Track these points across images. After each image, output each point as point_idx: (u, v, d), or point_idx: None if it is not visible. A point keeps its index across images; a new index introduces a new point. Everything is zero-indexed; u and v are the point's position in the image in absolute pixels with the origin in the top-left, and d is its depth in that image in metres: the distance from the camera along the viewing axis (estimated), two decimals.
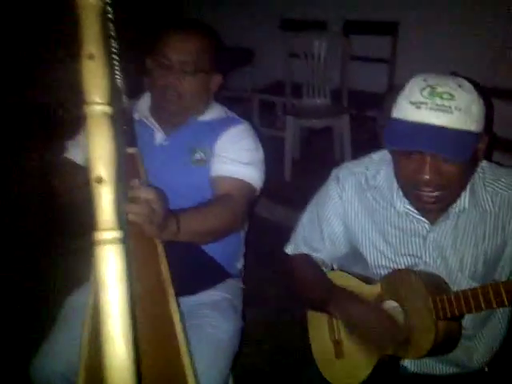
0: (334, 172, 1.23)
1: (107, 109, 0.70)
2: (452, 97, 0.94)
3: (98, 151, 0.68)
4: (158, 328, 0.99)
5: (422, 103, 0.94)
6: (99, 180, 0.67)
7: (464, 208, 1.08)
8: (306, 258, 1.27)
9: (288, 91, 3.37)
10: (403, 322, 1.07)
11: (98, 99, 0.70)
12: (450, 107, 0.93)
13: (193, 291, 1.35)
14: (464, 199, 1.07)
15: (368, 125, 3.41)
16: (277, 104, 3.99)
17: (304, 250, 1.28)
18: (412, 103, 0.95)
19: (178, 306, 1.04)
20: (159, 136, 1.40)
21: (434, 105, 0.93)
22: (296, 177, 3.27)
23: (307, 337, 1.32)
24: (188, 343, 0.98)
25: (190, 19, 1.48)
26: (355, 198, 1.18)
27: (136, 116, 1.40)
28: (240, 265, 1.53)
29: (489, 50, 3.10)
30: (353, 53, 3.27)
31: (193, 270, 1.32)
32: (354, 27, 3.56)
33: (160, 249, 1.10)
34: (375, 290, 1.12)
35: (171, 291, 1.04)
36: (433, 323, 1.00)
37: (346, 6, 3.73)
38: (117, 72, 1.02)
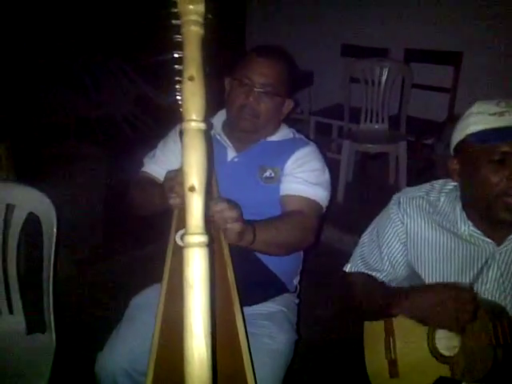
0: (396, 196, 1.27)
1: (202, 125, 0.78)
2: None
3: (192, 163, 0.76)
4: (223, 332, 1.05)
5: (503, 112, 1.01)
6: (192, 189, 0.75)
7: None
8: (365, 274, 1.31)
9: (346, 115, 3.41)
10: (458, 345, 1.08)
11: (194, 117, 0.78)
12: None
13: (252, 302, 1.40)
14: None
15: (425, 153, 3.40)
16: (333, 127, 4.05)
17: (362, 269, 1.32)
18: (492, 114, 1.02)
19: (242, 312, 1.10)
20: (230, 152, 1.49)
21: None
22: (348, 199, 3.30)
23: (354, 357, 1.35)
24: (250, 350, 1.03)
25: (271, 46, 1.58)
26: (418, 221, 1.22)
27: (212, 132, 1.49)
28: (296, 281, 1.58)
29: None
30: (413, 80, 3.29)
31: (254, 283, 1.37)
32: (416, 55, 3.58)
33: (227, 257, 1.17)
34: None
35: (236, 297, 1.10)
36: (491, 347, 1.01)
37: (408, 34, 3.77)
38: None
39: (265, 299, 1.44)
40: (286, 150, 1.47)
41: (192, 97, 0.78)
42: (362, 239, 1.34)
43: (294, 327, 1.45)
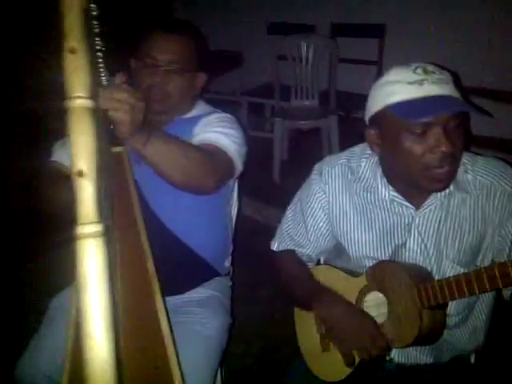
0: (317, 166, 1.24)
1: (89, 103, 0.70)
2: (441, 72, 1.00)
3: (79, 145, 0.68)
4: (143, 326, 0.99)
5: (422, 80, 0.98)
6: (80, 173, 0.67)
7: (450, 191, 1.09)
8: (292, 254, 1.28)
9: (276, 93, 3.37)
10: (387, 312, 1.08)
11: (79, 93, 0.70)
12: (446, 79, 0.99)
13: (181, 291, 1.35)
14: None
15: (356, 126, 3.42)
16: (266, 106, 4.01)
17: (289, 245, 1.29)
18: (411, 83, 0.98)
19: (164, 303, 1.04)
20: None
21: (435, 79, 0.98)
22: (284, 177, 3.28)
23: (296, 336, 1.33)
24: (174, 341, 0.98)
25: (174, 19, 1.47)
26: (339, 190, 1.19)
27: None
28: (228, 263, 1.53)
29: (476, 51, 3.15)
30: (340, 55, 3.29)
31: (181, 270, 1.32)
32: (341, 30, 3.59)
33: (145, 245, 1.10)
34: (360, 282, 1.13)
35: (157, 288, 1.04)
36: (417, 312, 1.01)
37: (333, 10, 3.77)
38: (101, 69, 1.02)
39: (195, 285, 1.38)
40: (197, 121, 1.38)
41: (75, 71, 0.70)
42: (286, 214, 1.31)
43: (228, 311, 1.40)
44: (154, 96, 1.32)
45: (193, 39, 1.37)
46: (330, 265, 1.25)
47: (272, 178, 3.28)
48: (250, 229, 2.61)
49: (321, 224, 1.23)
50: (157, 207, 1.30)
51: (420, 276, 1.05)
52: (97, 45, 0.96)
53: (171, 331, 0.98)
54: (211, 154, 1.25)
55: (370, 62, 3.48)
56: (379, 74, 3.34)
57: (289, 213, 1.30)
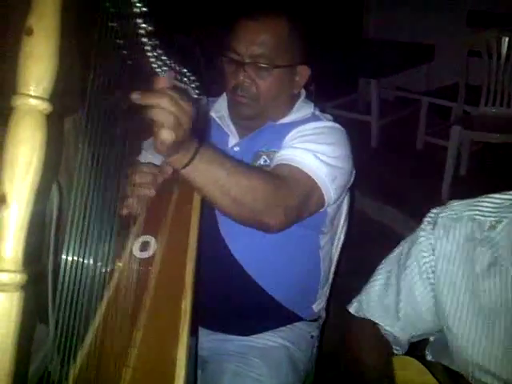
0: (433, 213, 0.88)
1: (44, 105, 0.52)
2: None
3: (12, 160, 0.50)
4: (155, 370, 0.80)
5: None
6: (2, 199, 0.49)
7: None
8: (372, 328, 0.92)
9: (460, 95, 2.85)
10: None
11: (32, 90, 0.52)
12: None
13: (245, 333, 1.12)
14: None
15: None
16: (453, 110, 3.46)
17: (371, 314, 0.93)
18: None
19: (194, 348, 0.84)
20: (232, 140, 1.17)
21: None
22: (455, 197, 2.76)
23: None
24: None
25: (266, 2, 1.14)
26: (456, 254, 0.82)
27: (213, 115, 1.20)
28: (318, 307, 1.22)
29: None
30: None
31: (248, 310, 1.10)
32: None
33: (188, 279, 0.89)
34: None
35: (184, 332, 0.82)
36: None
37: None
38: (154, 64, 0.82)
39: (263, 329, 1.12)
40: (291, 129, 1.10)
41: (30, 59, 0.52)
42: (378, 268, 0.96)
43: (297, 370, 1.10)
44: (239, 98, 1.09)
45: (288, 26, 1.08)
46: (425, 362, 0.86)
47: (440, 197, 2.79)
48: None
49: (418, 298, 0.86)
50: (228, 235, 1.09)
51: None
52: (136, 26, 0.75)
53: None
54: (282, 183, 0.97)
55: None
56: None
57: (381, 267, 0.95)
